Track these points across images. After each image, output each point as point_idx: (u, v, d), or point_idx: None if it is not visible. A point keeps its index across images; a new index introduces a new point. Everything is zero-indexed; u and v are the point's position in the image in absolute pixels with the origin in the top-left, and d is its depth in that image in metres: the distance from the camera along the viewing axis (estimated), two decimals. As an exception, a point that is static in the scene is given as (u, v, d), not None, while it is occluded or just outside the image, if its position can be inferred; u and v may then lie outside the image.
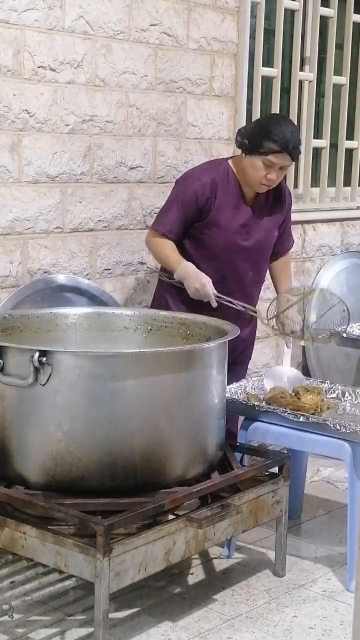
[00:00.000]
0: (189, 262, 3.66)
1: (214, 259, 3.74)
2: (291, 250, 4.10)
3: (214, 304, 3.62)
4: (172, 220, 3.69)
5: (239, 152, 3.78)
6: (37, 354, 2.89)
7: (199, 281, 3.61)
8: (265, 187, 3.70)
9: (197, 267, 3.70)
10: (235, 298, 3.72)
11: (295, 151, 3.63)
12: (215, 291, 3.62)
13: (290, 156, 3.62)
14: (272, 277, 4.05)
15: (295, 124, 3.80)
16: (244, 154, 3.68)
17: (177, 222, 3.69)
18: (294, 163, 3.82)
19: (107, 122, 3.95)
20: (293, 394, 3.64)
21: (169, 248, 3.70)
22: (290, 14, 5.00)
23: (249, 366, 4.76)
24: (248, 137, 3.63)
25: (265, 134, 3.58)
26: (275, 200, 3.85)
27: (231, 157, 3.85)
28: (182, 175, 3.85)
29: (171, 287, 3.78)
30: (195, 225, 3.72)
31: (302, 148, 5.15)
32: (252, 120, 3.82)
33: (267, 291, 4.26)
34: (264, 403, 3.56)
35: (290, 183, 5.02)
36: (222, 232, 3.71)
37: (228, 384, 3.48)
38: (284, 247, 4.01)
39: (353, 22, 5.41)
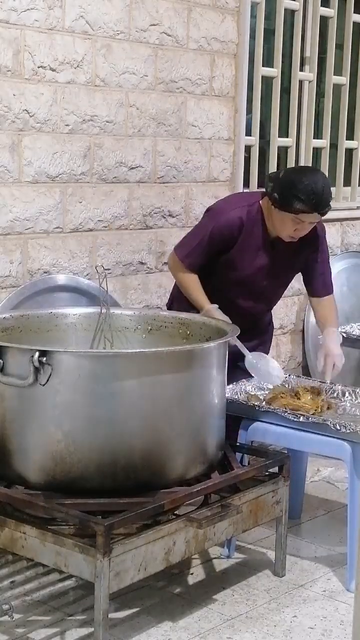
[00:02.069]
0: (213, 305, 3.60)
1: (224, 289, 3.70)
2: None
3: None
4: (196, 253, 3.65)
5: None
6: (37, 354, 2.89)
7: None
8: (293, 239, 3.60)
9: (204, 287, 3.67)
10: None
11: (326, 209, 3.50)
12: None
13: (320, 215, 3.51)
14: (316, 319, 3.92)
15: (327, 176, 3.62)
16: (273, 206, 3.54)
17: (200, 257, 3.65)
18: None
19: (107, 122, 3.95)
20: (293, 394, 3.64)
21: (195, 286, 3.67)
22: (290, 14, 5.00)
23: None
24: (279, 193, 3.49)
25: (296, 194, 3.43)
26: (304, 240, 3.67)
27: (264, 196, 3.64)
28: (213, 207, 3.75)
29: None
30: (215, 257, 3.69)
31: (302, 148, 5.19)
32: (284, 169, 3.63)
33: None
34: (264, 403, 3.56)
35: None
36: (237, 273, 3.68)
37: (230, 383, 3.49)
38: (320, 288, 3.83)
39: (353, 22, 5.42)
